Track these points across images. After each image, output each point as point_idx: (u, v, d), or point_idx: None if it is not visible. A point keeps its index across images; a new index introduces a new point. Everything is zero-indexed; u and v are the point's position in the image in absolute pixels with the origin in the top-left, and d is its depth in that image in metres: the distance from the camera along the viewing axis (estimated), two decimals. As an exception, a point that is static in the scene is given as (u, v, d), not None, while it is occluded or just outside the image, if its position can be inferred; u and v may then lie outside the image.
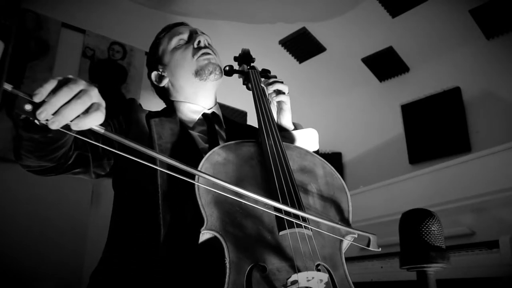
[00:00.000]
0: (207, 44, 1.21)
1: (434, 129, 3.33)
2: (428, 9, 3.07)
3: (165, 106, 1.30)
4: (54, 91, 0.62)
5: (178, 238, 0.95)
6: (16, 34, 2.58)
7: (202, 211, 0.84)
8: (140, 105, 1.19)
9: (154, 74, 1.28)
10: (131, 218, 1.03)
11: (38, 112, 0.60)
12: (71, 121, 0.63)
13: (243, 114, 3.65)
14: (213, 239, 0.83)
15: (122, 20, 3.09)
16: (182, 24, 1.30)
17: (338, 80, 3.95)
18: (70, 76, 0.65)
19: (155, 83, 1.28)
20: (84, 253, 2.52)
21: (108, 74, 2.95)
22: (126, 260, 0.97)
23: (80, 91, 0.64)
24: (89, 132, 0.69)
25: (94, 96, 0.65)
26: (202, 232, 0.82)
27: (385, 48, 3.48)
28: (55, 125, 0.61)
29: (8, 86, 0.60)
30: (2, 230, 2.30)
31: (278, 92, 1.19)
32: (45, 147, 0.80)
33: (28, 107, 0.61)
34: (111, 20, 3.05)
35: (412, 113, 3.51)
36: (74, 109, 0.62)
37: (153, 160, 0.73)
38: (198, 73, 1.17)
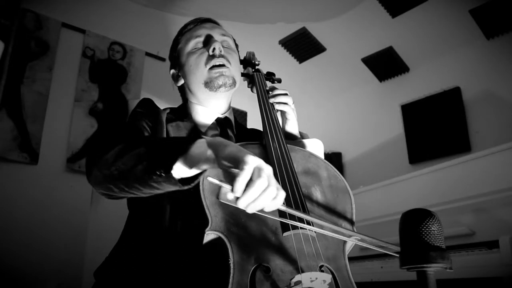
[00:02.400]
0: (222, 52, 1.16)
1: (434, 129, 3.33)
2: (428, 9, 3.08)
3: (173, 103, 1.31)
4: (249, 183, 0.70)
5: (184, 238, 0.96)
6: (16, 34, 2.58)
7: (207, 212, 0.84)
8: (158, 106, 1.20)
9: (172, 72, 1.28)
10: (146, 222, 1.03)
11: (239, 202, 0.70)
12: None
13: (243, 114, 3.65)
14: (218, 240, 0.83)
15: (122, 20, 3.09)
16: (206, 20, 1.26)
17: (338, 80, 3.95)
18: (257, 164, 0.72)
19: (173, 80, 1.28)
20: (84, 253, 2.52)
21: (108, 74, 2.95)
22: (136, 260, 0.97)
23: (268, 178, 0.72)
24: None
25: (274, 177, 0.74)
26: (206, 232, 0.82)
27: (385, 48, 3.48)
28: (252, 209, 0.71)
29: (216, 181, 0.70)
30: (2, 230, 2.31)
31: (281, 103, 1.19)
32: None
33: (231, 197, 0.71)
34: (111, 20, 3.05)
35: (412, 113, 3.51)
36: (267, 198, 0.71)
37: None
38: (207, 84, 1.15)
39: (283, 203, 0.74)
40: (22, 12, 2.64)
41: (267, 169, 0.72)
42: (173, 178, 0.75)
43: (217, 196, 0.72)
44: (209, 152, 0.75)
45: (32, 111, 2.59)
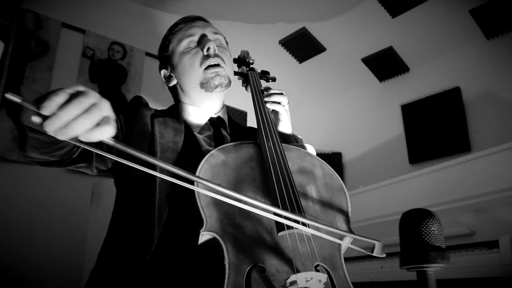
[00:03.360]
0: (216, 52, 1.15)
1: (434, 129, 3.33)
2: (428, 9, 3.08)
3: (173, 103, 1.30)
4: (63, 104, 0.61)
5: (177, 238, 0.95)
6: (16, 34, 2.58)
7: (202, 212, 0.84)
8: (146, 103, 1.18)
9: (163, 72, 1.26)
10: (128, 216, 1.02)
11: (46, 124, 0.60)
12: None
13: (243, 114, 3.65)
14: (213, 240, 0.83)
15: (122, 20, 3.09)
16: (197, 19, 1.26)
17: (338, 80, 3.95)
18: (81, 89, 0.64)
19: (164, 81, 1.26)
20: (84, 253, 2.52)
21: (108, 74, 2.95)
22: (121, 258, 0.97)
23: (91, 105, 0.63)
24: (99, 143, 0.68)
25: (105, 109, 0.65)
26: (201, 233, 0.82)
27: (385, 48, 3.48)
28: (63, 137, 0.61)
29: (16, 98, 0.58)
30: (2, 230, 2.30)
31: (274, 103, 1.18)
32: (49, 145, 0.81)
33: (36, 119, 0.60)
34: (111, 20, 3.05)
35: (412, 113, 3.51)
36: (83, 123, 0.61)
37: (153, 166, 0.74)
38: (203, 85, 1.14)
39: (111, 139, 0.64)
40: (22, 12, 2.64)
41: (94, 97, 0.63)
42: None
43: (21, 119, 0.60)
44: None
45: (32, 111, 2.59)
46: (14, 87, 2.56)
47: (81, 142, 0.65)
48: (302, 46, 3.64)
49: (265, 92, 1.21)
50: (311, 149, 1.15)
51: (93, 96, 0.63)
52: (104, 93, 2.79)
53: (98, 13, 2.98)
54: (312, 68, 3.85)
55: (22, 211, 2.41)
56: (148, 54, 3.16)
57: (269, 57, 3.53)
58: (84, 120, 0.61)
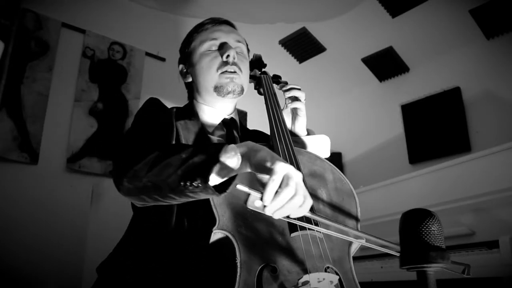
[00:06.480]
0: (235, 60, 1.17)
1: (434, 129, 3.33)
2: (428, 9, 3.08)
3: (179, 100, 1.31)
4: (276, 192, 0.73)
5: (191, 237, 0.96)
6: (16, 34, 2.58)
7: (214, 211, 0.84)
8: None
9: (181, 67, 1.28)
10: (153, 220, 1.03)
11: (267, 209, 0.73)
12: None
13: (243, 114, 3.65)
14: (225, 239, 0.84)
15: (122, 20, 3.09)
16: (224, 23, 1.27)
17: (338, 80, 3.95)
18: (286, 172, 0.75)
19: (180, 75, 1.28)
20: (84, 253, 2.52)
21: (108, 74, 2.95)
22: (141, 257, 0.98)
23: (296, 185, 0.74)
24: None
25: (304, 184, 0.78)
26: (214, 231, 0.83)
27: (385, 48, 3.48)
28: (277, 216, 0.75)
29: (245, 188, 0.73)
30: (2, 230, 2.31)
31: (295, 99, 1.21)
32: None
33: (259, 204, 0.74)
34: (111, 20, 3.04)
35: (412, 113, 3.51)
36: (294, 204, 0.74)
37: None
38: (216, 89, 1.16)
39: (310, 211, 0.77)
40: (22, 12, 2.64)
41: (296, 177, 0.75)
42: (211, 188, 0.76)
43: (245, 203, 0.77)
44: (241, 159, 0.79)
45: (32, 111, 2.59)
46: (14, 87, 2.56)
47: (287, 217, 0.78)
48: (302, 46, 3.65)
49: (284, 87, 1.25)
50: (326, 140, 1.19)
51: (295, 176, 0.76)
52: (104, 93, 2.77)
53: (98, 13, 2.98)
54: (312, 68, 3.85)
55: (22, 211, 2.41)
56: (148, 54, 3.16)
57: (269, 57, 3.52)
58: (295, 202, 0.74)
